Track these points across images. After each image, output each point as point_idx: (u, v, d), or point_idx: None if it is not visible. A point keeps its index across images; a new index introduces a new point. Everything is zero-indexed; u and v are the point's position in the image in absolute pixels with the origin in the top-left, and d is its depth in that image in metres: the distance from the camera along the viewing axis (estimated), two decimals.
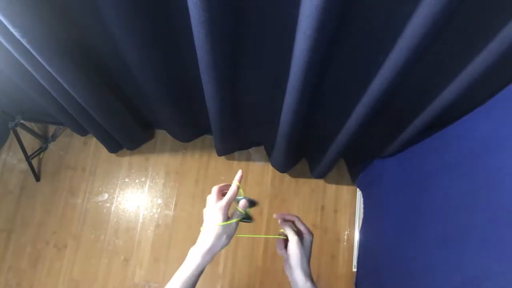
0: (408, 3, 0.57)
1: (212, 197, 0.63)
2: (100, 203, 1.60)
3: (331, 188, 1.57)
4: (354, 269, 1.43)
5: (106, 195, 1.61)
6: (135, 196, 1.60)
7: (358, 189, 1.53)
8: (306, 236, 0.64)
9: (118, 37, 0.87)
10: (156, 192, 1.60)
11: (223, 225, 0.59)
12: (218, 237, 0.59)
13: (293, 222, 0.66)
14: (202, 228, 0.61)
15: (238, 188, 0.64)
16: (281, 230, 0.65)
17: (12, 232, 1.57)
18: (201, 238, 0.59)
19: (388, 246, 1.12)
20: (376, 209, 1.32)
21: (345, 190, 1.57)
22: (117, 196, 1.60)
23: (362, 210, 1.46)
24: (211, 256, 0.59)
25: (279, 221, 0.65)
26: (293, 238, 0.61)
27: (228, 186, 0.65)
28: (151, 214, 1.57)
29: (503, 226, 0.59)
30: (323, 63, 0.75)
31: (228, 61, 0.83)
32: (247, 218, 0.65)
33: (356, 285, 1.38)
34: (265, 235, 0.73)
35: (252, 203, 0.65)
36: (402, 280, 0.97)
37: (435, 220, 0.84)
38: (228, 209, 0.62)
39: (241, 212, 0.63)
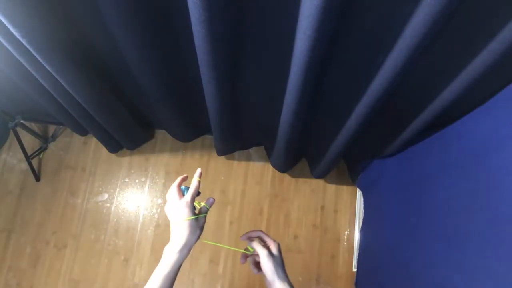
0: (408, 3, 0.57)
1: (173, 194, 0.65)
2: (100, 203, 1.60)
3: (331, 188, 1.57)
4: (354, 269, 1.43)
5: (106, 195, 1.61)
6: (135, 196, 1.60)
7: (358, 189, 1.53)
8: (273, 245, 0.65)
9: (118, 37, 0.87)
10: (156, 192, 1.60)
11: (194, 219, 0.62)
12: (193, 231, 0.62)
13: (259, 238, 0.68)
14: (172, 226, 0.63)
15: (199, 183, 0.67)
16: (247, 247, 0.67)
17: (12, 232, 1.57)
18: (174, 235, 0.61)
19: (388, 246, 1.12)
20: (376, 209, 1.32)
21: (345, 190, 1.57)
22: (117, 196, 1.60)
23: (362, 210, 1.46)
24: (188, 250, 0.61)
25: (247, 241, 0.67)
26: (262, 252, 0.62)
27: (183, 180, 0.69)
28: (151, 214, 1.57)
29: (503, 226, 0.59)
30: (323, 63, 0.75)
31: (228, 61, 0.83)
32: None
33: (356, 285, 1.38)
34: (232, 247, 0.75)
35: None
36: (402, 280, 0.97)
37: (435, 220, 0.84)
38: (193, 203, 0.65)
39: (207, 207, 0.67)
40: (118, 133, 1.46)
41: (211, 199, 0.69)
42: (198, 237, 0.63)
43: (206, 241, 0.67)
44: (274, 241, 0.66)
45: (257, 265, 0.66)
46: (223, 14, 0.66)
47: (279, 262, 0.63)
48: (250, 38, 0.79)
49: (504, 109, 0.65)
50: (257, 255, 0.64)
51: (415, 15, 0.57)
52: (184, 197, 0.64)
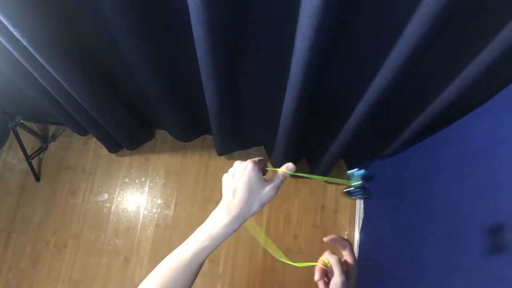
0: (408, 3, 0.57)
1: (254, 172, 0.54)
2: (100, 203, 1.60)
3: (331, 188, 1.57)
4: None
5: (106, 195, 1.61)
6: (135, 196, 1.60)
7: None
8: (353, 271, 0.55)
9: (118, 37, 0.87)
10: (156, 192, 1.60)
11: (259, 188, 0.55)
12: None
13: (345, 249, 0.58)
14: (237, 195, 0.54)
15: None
16: (322, 258, 0.56)
17: (12, 232, 1.57)
18: (237, 198, 0.54)
19: (388, 246, 1.12)
20: (376, 209, 1.32)
21: None
22: (117, 196, 1.60)
23: (362, 210, 1.46)
24: (242, 222, 0.55)
25: (325, 253, 0.56)
26: (339, 278, 0.52)
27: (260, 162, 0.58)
28: (151, 214, 1.57)
29: (503, 226, 0.59)
30: (323, 63, 0.75)
31: (228, 61, 0.83)
32: (365, 194, 0.56)
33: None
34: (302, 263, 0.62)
35: (369, 178, 0.56)
36: (402, 280, 0.97)
37: (435, 220, 0.84)
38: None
39: (286, 173, 0.56)
40: (118, 133, 1.46)
41: (291, 164, 0.57)
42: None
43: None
44: (356, 264, 0.56)
45: (324, 276, 0.56)
46: (223, 14, 0.66)
47: None
48: (250, 38, 0.79)
49: (504, 109, 0.65)
50: (331, 272, 0.54)
51: (415, 15, 0.57)
52: (273, 179, 0.56)
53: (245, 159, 0.57)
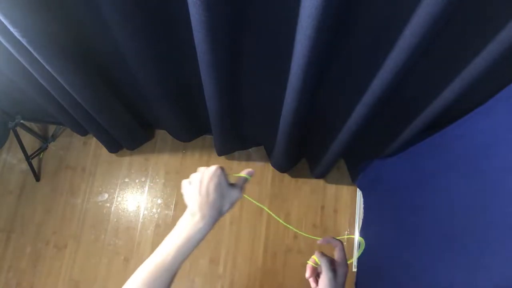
0: (408, 3, 0.57)
1: (222, 176, 0.58)
2: (100, 203, 1.60)
3: (331, 188, 1.57)
4: (354, 269, 1.43)
5: (106, 195, 1.61)
6: (135, 196, 1.60)
7: (358, 189, 1.53)
8: (341, 269, 0.59)
9: (117, 37, 0.87)
10: (156, 192, 1.60)
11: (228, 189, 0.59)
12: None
13: (336, 248, 0.62)
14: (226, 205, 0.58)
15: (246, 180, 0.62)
16: (313, 257, 0.61)
17: (12, 232, 1.57)
18: (206, 203, 0.56)
19: (388, 246, 1.12)
20: (376, 209, 1.32)
21: (345, 190, 1.56)
22: (117, 196, 1.60)
23: (362, 210, 1.46)
24: (213, 223, 0.56)
25: (315, 253, 0.61)
26: (328, 275, 0.57)
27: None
28: (151, 214, 1.57)
29: (504, 226, 0.59)
30: (323, 63, 0.75)
31: (228, 61, 0.83)
32: None
33: (356, 285, 1.38)
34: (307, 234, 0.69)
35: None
36: (402, 280, 0.97)
37: (435, 220, 0.84)
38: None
39: (247, 178, 0.62)
40: (118, 133, 1.46)
41: (252, 170, 0.63)
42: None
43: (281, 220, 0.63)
44: (346, 265, 0.60)
45: (315, 274, 0.61)
46: (223, 14, 0.66)
47: None
48: (250, 38, 0.79)
49: (504, 109, 0.65)
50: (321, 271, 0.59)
51: (415, 15, 0.57)
52: (237, 183, 0.61)
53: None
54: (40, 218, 1.58)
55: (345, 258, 0.61)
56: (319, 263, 0.60)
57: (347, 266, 0.60)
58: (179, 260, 0.52)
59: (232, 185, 0.60)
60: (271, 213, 0.67)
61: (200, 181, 0.57)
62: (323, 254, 0.60)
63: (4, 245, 1.55)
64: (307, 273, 0.61)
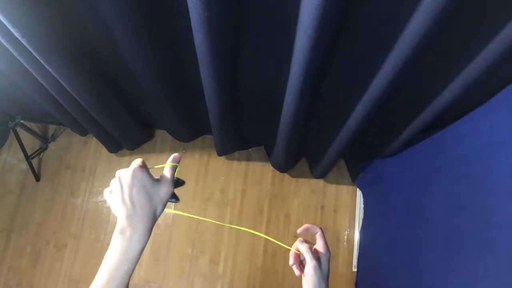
0: (408, 3, 0.57)
1: (144, 175, 0.50)
2: (100, 203, 1.60)
3: (331, 188, 1.57)
4: (354, 269, 1.43)
5: None
6: None
7: (358, 189, 1.53)
8: (323, 255, 0.58)
9: (117, 37, 0.87)
10: None
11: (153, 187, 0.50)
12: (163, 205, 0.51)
13: (316, 236, 0.61)
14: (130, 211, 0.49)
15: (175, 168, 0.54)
16: (295, 245, 0.60)
17: (12, 232, 1.57)
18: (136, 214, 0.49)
19: (388, 246, 1.12)
20: (376, 209, 1.32)
21: (345, 190, 1.56)
22: None
23: (362, 210, 1.46)
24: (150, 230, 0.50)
25: (297, 241, 0.59)
26: (311, 263, 0.56)
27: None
28: None
29: (503, 226, 0.59)
30: (323, 63, 0.75)
31: (228, 61, 0.83)
32: (173, 197, 0.56)
33: (356, 285, 1.38)
34: (274, 240, 0.66)
35: (178, 183, 0.56)
36: (402, 280, 0.97)
37: (435, 220, 0.84)
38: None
39: (174, 165, 0.54)
40: (118, 133, 1.46)
41: (176, 155, 0.55)
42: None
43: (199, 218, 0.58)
44: (328, 250, 0.59)
45: (298, 261, 0.61)
46: (223, 14, 0.66)
47: (325, 276, 0.57)
48: (250, 38, 0.79)
49: (503, 109, 0.65)
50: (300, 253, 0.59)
51: (415, 15, 0.57)
52: (164, 175, 0.53)
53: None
54: (40, 218, 1.58)
55: (326, 243, 0.59)
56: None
57: (329, 252, 0.59)
58: (125, 280, 0.47)
59: (158, 181, 0.51)
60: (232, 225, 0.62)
61: (120, 189, 0.49)
62: (303, 241, 0.59)
63: (4, 245, 1.55)
64: (290, 260, 0.60)
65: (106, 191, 0.51)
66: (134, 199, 0.48)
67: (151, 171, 0.52)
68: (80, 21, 0.86)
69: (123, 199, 0.49)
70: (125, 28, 0.82)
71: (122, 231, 0.49)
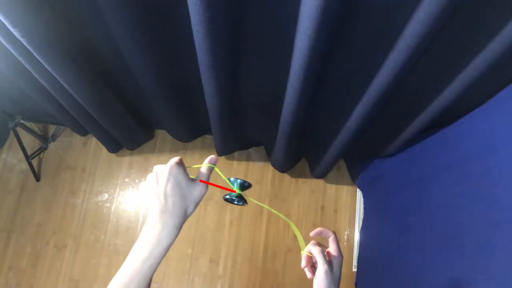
0: (408, 3, 0.57)
1: (180, 173, 0.51)
2: (100, 203, 1.60)
3: (331, 188, 1.57)
4: (354, 269, 1.43)
5: (106, 195, 1.61)
6: (135, 196, 1.60)
7: (358, 189, 1.53)
8: (335, 259, 0.58)
9: (117, 37, 0.87)
10: None
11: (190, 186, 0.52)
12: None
13: (329, 239, 0.61)
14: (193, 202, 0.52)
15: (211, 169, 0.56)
16: (307, 248, 0.60)
17: (12, 232, 1.57)
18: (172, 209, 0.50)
19: (388, 246, 1.12)
20: (376, 209, 1.32)
21: (345, 190, 1.57)
22: (117, 196, 1.60)
23: (362, 210, 1.46)
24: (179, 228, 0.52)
25: (310, 244, 0.59)
26: (323, 267, 0.55)
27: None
28: None
29: (503, 226, 0.59)
30: (323, 63, 0.75)
31: (228, 61, 0.83)
32: (241, 200, 0.58)
33: (356, 285, 1.38)
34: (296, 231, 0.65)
35: (245, 186, 0.58)
36: (402, 280, 0.97)
37: (435, 220, 0.84)
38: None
39: (212, 167, 0.55)
40: (118, 133, 1.46)
41: (213, 157, 0.57)
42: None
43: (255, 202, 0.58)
44: (340, 254, 0.58)
45: (311, 264, 0.60)
46: (223, 14, 0.66)
47: (336, 281, 0.56)
48: (250, 38, 0.79)
49: (503, 109, 0.65)
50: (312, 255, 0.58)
51: (415, 15, 0.57)
52: (199, 175, 0.54)
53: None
54: (40, 218, 1.58)
55: (339, 248, 0.59)
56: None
57: (341, 256, 0.58)
58: (149, 275, 0.48)
59: (194, 180, 0.53)
60: (273, 210, 0.63)
61: (156, 183, 0.50)
62: (316, 244, 0.59)
63: (4, 245, 1.55)
64: (303, 263, 0.59)
65: (142, 185, 0.52)
66: (168, 195, 0.49)
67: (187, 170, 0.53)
68: (80, 21, 0.87)
69: (157, 193, 0.49)
70: (125, 28, 0.82)
71: (154, 225, 0.49)
